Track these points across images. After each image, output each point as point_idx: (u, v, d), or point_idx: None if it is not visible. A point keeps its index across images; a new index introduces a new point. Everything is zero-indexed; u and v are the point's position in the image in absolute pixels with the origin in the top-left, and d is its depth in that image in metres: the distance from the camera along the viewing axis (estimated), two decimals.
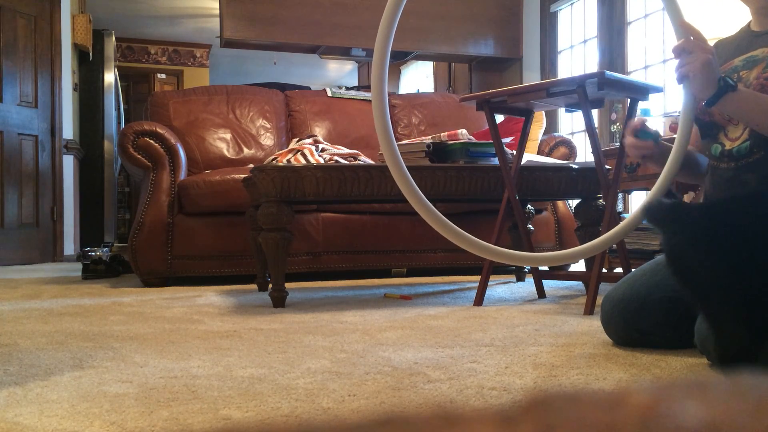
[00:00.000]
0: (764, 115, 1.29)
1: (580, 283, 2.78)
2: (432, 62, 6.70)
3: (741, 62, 1.44)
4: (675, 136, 1.46)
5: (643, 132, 1.55)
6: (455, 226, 1.20)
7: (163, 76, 9.05)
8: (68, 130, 5.52)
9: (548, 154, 3.52)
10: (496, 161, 2.40)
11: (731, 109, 1.31)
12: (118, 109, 6.67)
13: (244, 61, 8.92)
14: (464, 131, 2.54)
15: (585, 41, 4.71)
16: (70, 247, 5.44)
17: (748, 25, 1.52)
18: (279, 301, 2.22)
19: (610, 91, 2.10)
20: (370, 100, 4.07)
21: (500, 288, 2.80)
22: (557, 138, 3.64)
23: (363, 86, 6.63)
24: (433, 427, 0.18)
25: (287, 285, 2.29)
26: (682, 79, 1.31)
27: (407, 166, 2.29)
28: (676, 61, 1.34)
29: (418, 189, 1.18)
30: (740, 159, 1.40)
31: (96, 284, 3.19)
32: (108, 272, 3.56)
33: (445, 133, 2.54)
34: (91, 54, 6.05)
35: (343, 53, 5.12)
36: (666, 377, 1.22)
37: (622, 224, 1.35)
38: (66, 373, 1.25)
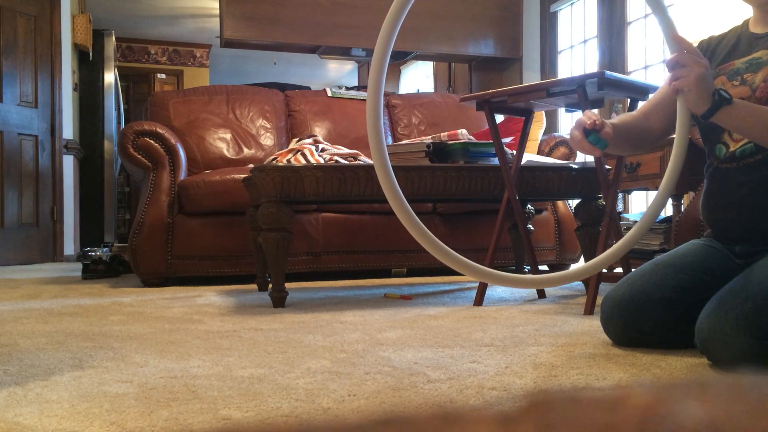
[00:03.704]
0: (760, 127, 1.29)
1: (580, 283, 2.78)
2: (432, 62, 6.70)
3: (743, 64, 1.43)
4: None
5: (595, 138, 1.44)
6: (442, 243, 1.21)
7: (163, 76, 9.04)
8: (68, 130, 5.52)
9: (548, 154, 3.52)
10: (496, 161, 2.40)
11: (727, 122, 1.31)
12: (118, 109, 6.67)
13: (244, 61, 8.92)
14: (464, 131, 2.54)
15: (585, 41, 4.71)
16: (70, 247, 5.44)
17: (745, 24, 1.51)
18: (279, 301, 2.22)
19: (610, 91, 2.10)
20: None
21: (500, 288, 2.80)
22: (557, 138, 3.64)
23: (363, 86, 6.62)
24: (433, 427, 0.18)
25: (287, 285, 2.29)
26: (676, 93, 1.31)
27: (407, 166, 2.30)
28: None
29: (412, 212, 1.19)
30: (743, 159, 1.40)
31: (96, 284, 3.19)
32: (108, 272, 3.56)
33: (445, 133, 2.54)
34: (91, 54, 6.04)
35: (343, 53, 5.12)
36: (666, 377, 1.22)
37: (613, 248, 1.34)
38: (66, 373, 1.25)
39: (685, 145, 1.35)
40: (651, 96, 1.63)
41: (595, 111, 1.50)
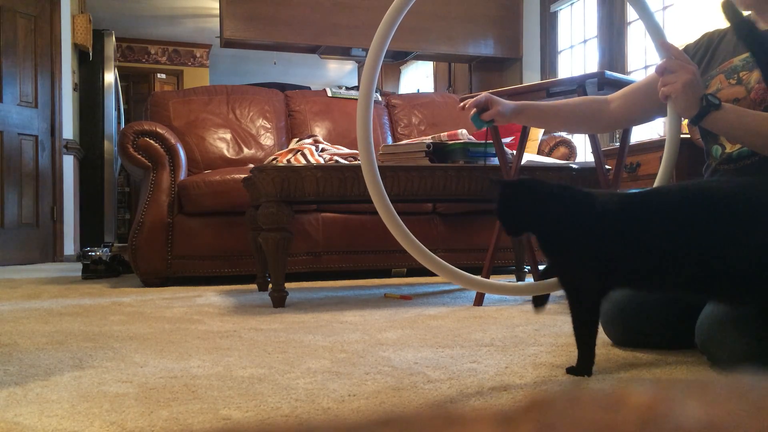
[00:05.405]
0: (748, 132, 1.28)
1: None
2: (432, 62, 6.70)
3: (740, 62, 1.43)
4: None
5: (474, 117, 1.72)
6: (428, 250, 1.23)
7: (163, 76, 9.05)
8: (68, 130, 5.52)
9: (548, 154, 3.52)
10: (496, 161, 2.40)
11: (715, 127, 1.31)
12: (118, 109, 6.67)
13: (244, 61, 8.92)
14: (464, 131, 2.54)
15: (585, 41, 4.71)
16: (70, 247, 5.44)
17: None
18: (279, 301, 2.22)
19: (610, 91, 2.09)
20: None
21: None
22: (557, 138, 3.64)
23: None
24: (433, 427, 0.18)
25: (287, 285, 2.29)
26: (664, 98, 1.31)
27: (407, 166, 2.30)
28: None
29: (401, 222, 1.20)
30: (740, 161, 1.40)
31: (96, 284, 3.19)
32: (108, 272, 3.56)
33: (445, 133, 2.54)
34: (91, 54, 6.05)
35: (343, 53, 5.12)
36: (666, 377, 1.22)
37: None
38: (66, 373, 1.25)
39: (676, 150, 1.36)
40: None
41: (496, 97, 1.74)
